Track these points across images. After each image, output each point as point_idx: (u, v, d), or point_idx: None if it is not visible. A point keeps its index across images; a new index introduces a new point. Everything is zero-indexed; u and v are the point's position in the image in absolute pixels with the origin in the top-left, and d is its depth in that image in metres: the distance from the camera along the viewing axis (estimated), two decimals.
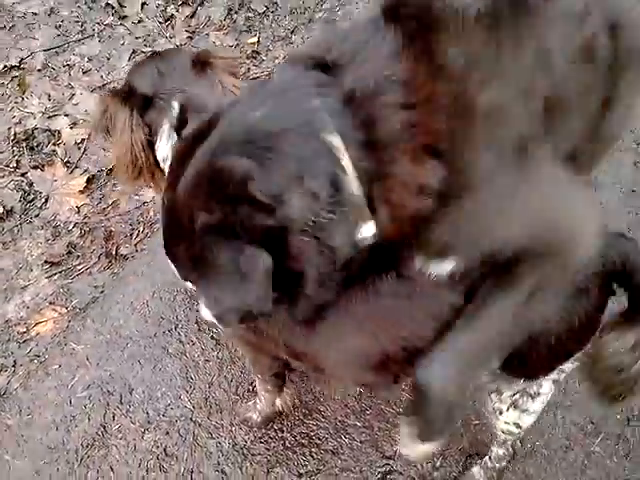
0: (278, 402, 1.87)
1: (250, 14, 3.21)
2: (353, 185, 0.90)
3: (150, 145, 1.45)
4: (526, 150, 0.91)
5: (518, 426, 1.55)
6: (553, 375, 1.42)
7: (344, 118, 0.90)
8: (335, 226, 0.91)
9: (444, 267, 1.05)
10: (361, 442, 1.97)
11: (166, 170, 1.42)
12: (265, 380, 1.73)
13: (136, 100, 1.41)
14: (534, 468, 1.94)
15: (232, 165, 0.89)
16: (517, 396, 1.48)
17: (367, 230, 0.95)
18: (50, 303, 2.27)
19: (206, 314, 1.06)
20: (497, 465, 1.80)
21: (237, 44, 3.10)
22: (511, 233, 0.98)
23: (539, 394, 1.47)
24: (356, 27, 0.97)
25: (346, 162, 0.89)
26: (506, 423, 1.55)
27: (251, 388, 2.03)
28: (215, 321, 1.06)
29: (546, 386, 1.45)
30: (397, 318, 1.21)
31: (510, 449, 1.75)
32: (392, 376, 1.36)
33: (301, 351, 1.36)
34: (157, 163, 1.48)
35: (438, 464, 1.94)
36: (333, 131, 0.89)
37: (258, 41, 3.12)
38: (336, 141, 0.89)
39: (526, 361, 1.31)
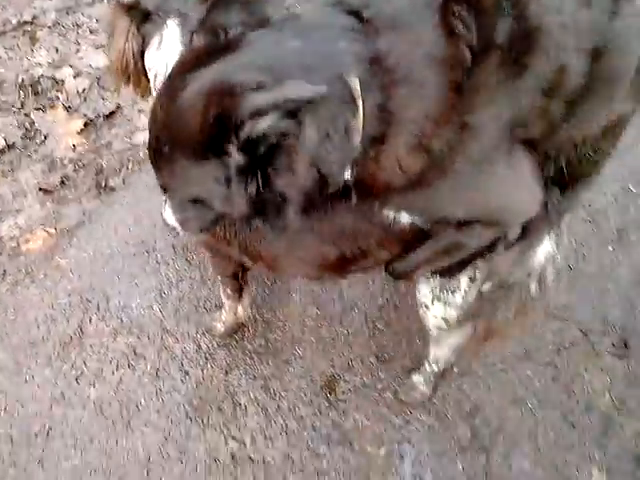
0: (240, 310, 2.06)
1: None
2: (357, 135, 0.99)
3: (141, 55, 1.61)
4: (489, 155, 1.10)
5: (446, 321, 1.74)
6: (468, 273, 1.61)
7: (369, 74, 0.95)
8: (334, 164, 1.00)
9: (406, 218, 1.29)
10: (312, 354, 2.16)
11: (152, 78, 1.62)
12: (225, 283, 1.93)
13: (137, 13, 1.54)
14: (469, 385, 2.13)
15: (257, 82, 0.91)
16: (437, 290, 1.67)
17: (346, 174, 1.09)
18: (41, 225, 2.48)
19: (170, 218, 1.20)
20: (435, 369, 1.99)
21: None
22: (463, 206, 1.20)
23: (458, 289, 1.66)
24: None
25: (359, 112, 0.96)
26: (434, 317, 1.74)
27: (218, 304, 2.23)
28: (178, 226, 1.21)
29: (463, 282, 1.65)
30: (351, 232, 1.42)
31: (446, 349, 1.92)
32: (340, 274, 1.62)
33: (260, 254, 1.55)
34: (145, 72, 1.67)
35: (382, 376, 2.13)
36: (356, 78, 0.94)
37: None
38: (356, 87, 0.94)
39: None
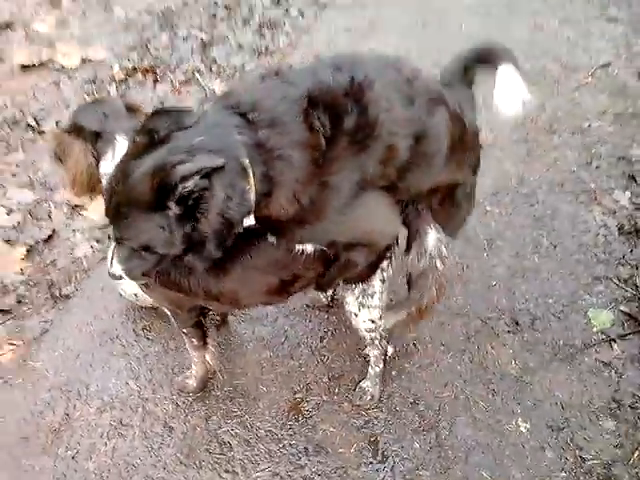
0: (208, 357, 2.43)
1: None
2: (251, 194, 1.50)
3: (97, 167, 1.96)
4: (348, 201, 1.63)
5: (372, 321, 2.25)
6: (378, 275, 2.12)
7: (255, 154, 1.45)
8: (235, 213, 1.48)
9: (310, 247, 1.83)
10: (274, 387, 2.55)
11: (104, 180, 2.05)
12: (190, 334, 2.30)
13: (88, 135, 1.91)
14: (406, 382, 2.60)
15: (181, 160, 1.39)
16: (361, 298, 2.17)
17: (250, 221, 1.64)
18: (7, 339, 2.74)
19: (117, 269, 1.63)
20: (377, 369, 2.45)
21: None
22: (343, 237, 1.75)
23: (375, 292, 2.17)
24: (280, 100, 1.52)
25: (251, 181, 1.46)
26: (364, 322, 2.24)
27: (185, 366, 2.58)
28: (124, 274, 1.64)
29: (377, 285, 2.16)
30: (283, 262, 1.90)
31: (380, 347, 2.39)
32: (287, 294, 2.06)
33: (221, 294, 1.96)
34: (99, 179, 2.00)
35: (337, 391, 2.56)
36: (246, 158, 1.44)
37: None
38: (246, 163, 1.44)
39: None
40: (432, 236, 1.95)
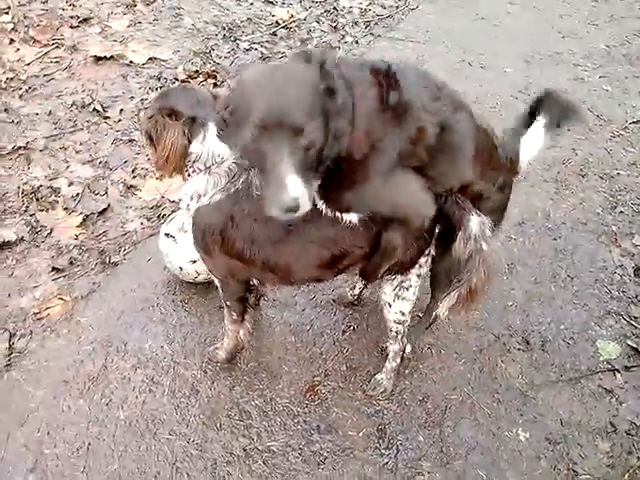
0: (242, 334, 2.64)
1: None
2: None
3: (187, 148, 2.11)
4: (389, 170, 1.83)
5: (403, 313, 2.45)
6: (415, 270, 2.35)
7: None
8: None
9: (354, 217, 2.01)
10: (296, 369, 2.76)
11: (191, 161, 2.11)
12: (231, 307, 2.53)
13: (187, 119, 2.04)
14: (418, 380, 2.79)
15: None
16: (397, 289, 2.39)
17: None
18: (57, 295, 2.99)
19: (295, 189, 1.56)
20: (394, 364, 2.65)
21: None
22: (383, 207, 1.95)
23: (411, 285, 2.39)
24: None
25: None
26: (395, 313, 2.44)
27: (216, 338, 2.80)
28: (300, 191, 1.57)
29: (414, 279, 2.38)
30: (334, 237, 2.10)
31: (401, 343, 2.59)
32: (336, 270, 2.25)
33: (276, 265, 2.16)
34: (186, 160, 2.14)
35: (353, 380, 2.75)
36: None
37: None
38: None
39: (396, 264, 2.24)
40: (475, 220, 2.05)
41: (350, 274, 2.48)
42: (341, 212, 2.00)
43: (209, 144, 2.09)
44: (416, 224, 2.05)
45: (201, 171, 2.11)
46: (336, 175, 1.81)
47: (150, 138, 2.11)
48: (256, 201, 2.00)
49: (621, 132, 4.43)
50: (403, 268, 2.31)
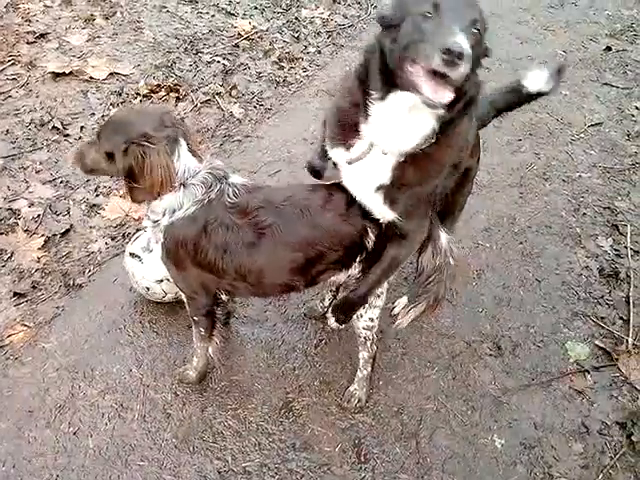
0: (210, 350, 2.59)
1: None
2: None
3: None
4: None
5: (372, 320, 2.45)
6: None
7: None
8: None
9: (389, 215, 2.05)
10: (268, 386, 2.72)
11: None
12: (199, 323, 2.45)
13: (162, 140, 1.98)
14: (392, 392, 2.78)
15: None
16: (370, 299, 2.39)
17: None
18: (19, 322, 2.90)
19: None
20: (365, 372, 2.63)
21: None
22: (409, 216, 2.03)
23: (382, 293, 2.39)
24: None
25: None
26: (364, 320, 2.44)
27: (186, 359, 2.75)
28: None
29: (384, 286, 2.38)
30: (309, 240, 2.11)
31: (371, 350, 2.57)
32: (309, 276, 2.23)
33: (247, 269, 2.14)
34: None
35: (326, 394, 2.73)
36: None
37: None
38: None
39: None
40: (444, 237, 2.23)
41: (324, 285, 2.48)
42: (391, 203, 2.00)
43: (183, 159, 2.08)
44: (417, 244, 2.17)
45: (176, 187, 2.08)
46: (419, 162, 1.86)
47: (131, 171, 2.03)
48: (229, 208, 2.05)
49: (581, 135, 4.52)
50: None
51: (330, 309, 2.37)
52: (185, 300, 2.39)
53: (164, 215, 2.13)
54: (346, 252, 2.16)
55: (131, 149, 1.97)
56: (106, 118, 3.99)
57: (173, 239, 2.13)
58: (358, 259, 2.22)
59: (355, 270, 2.27)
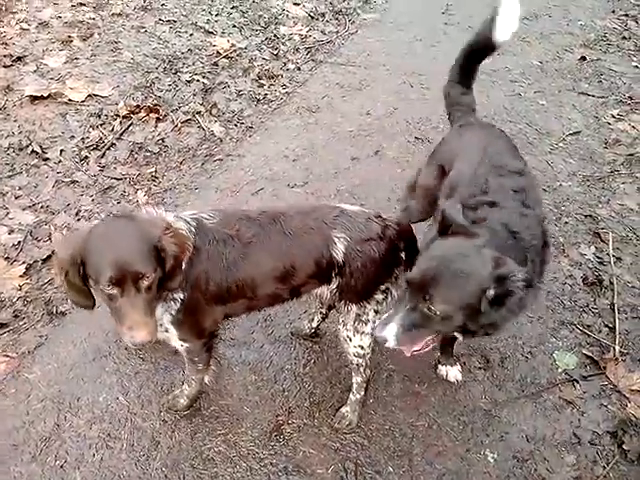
0: (206, 379, 2.55)
1: (147, 153, 4.27)
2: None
3: None
4: None
5: (362, 347, 2.44)
6: (372, 305, 2.35)
7: None
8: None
9: None
10: (258, 409, 2.69)
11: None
12: (198, 361, 2.41)
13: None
14: (382, 410, 2.76)
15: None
16: (356, 324, 2.38)
17: None
18: (1, 352, 2.84)
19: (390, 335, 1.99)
20: (358, 396, 2.62)
21: (139, 174, 4.09)
22: None
23: (369, 320, 2.38)
24: None
25: None
26: (354, 347, 2.43)
27: (174, 384, 2.71)
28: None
29: (371, 314, 2.38)
30: (281, 248, 2.15)
31: (364, 375, 2.56)
32: (291, 286, 2.25)
33: (243, 280, 2.15)
34: None
35: (317, 415, 2.70)
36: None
37: (155, 171, 4.14)
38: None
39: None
40: None
41: (311, 300, 2.50)
42: None
43: None
44: None
45: None
46: None
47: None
48: (217, 227, 2.10)
49: (559, 144, 4.57)
50: (358, 297, 2.31)
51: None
52: (185, 351, 2.35)
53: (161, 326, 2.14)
54: (316, 264, 2.18)
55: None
56: (86, 141, 3.96)
57: (190, 288, 2.10)
58: (334, 274, 2.23)
59: (334, 285, 2.28)
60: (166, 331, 2.19)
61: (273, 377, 2.83)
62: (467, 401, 2.83)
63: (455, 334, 2.17)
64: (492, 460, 2.61)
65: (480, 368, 2.97)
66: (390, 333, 1.96)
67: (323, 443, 2.60)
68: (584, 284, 3.43)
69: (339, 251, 2.16)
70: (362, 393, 2.61)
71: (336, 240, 2.16)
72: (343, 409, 2.66)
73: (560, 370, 2.98)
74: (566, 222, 3.85)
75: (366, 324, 2.37)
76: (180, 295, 2.09)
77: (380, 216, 2.29)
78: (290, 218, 2.18)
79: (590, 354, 3.05)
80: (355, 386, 2.59)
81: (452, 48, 5.72)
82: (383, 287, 2.32)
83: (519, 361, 3.01)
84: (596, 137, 4.66)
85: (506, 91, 5.17)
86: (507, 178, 2.28)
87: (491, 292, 1.82)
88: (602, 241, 3.71)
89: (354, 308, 2.34)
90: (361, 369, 2.52)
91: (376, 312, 2.37)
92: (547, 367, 2.99)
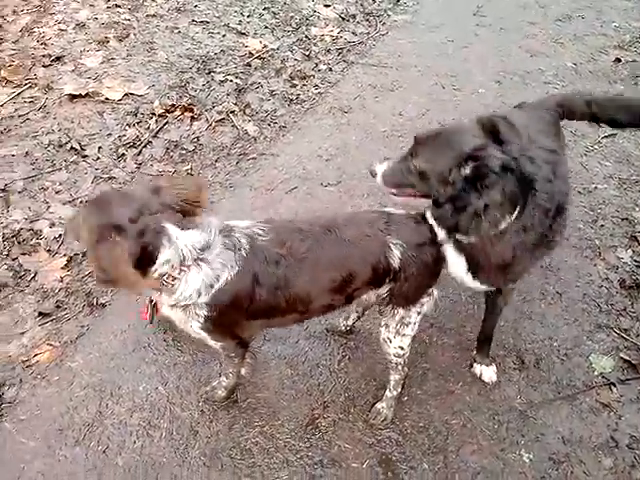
0: (243, 371, 2.60)
1: (183, 151, 4.34)
2: (503, 224, 2.11)
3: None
4: None
5: (402, 348, 2.46)
6: (417, 308, 2.37)
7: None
8: (494, 220, 2.06)
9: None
10: (294, 403, 2.73)
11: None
12: (234, 356, 2.44)
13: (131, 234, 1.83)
14: (417, 408, 2.78)
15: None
16: (398, 326, 2.40)
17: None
18: (45, 341, 2.92)
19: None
20: (395, 393, 2.63)
21: (175, 171, 4.16)
22: None
23: (410, 322, 2.40)
24: None
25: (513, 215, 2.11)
26: (394, 348, 2.45)
27: (211, 376, 2.76)
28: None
29: (414, 316, 2.40)
30: (338, 258, 2.15)
31: (402, 373, 2.57)
32: (347, 294, 2.24)
33: (296, 295, 2.13)
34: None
35: (352, 410, 2.72)
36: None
37: (191, 168, 4.20)
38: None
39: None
40: None
41: (360, 303, 2.49)
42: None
43: (179, 243, 1.92)
44: None
45: (188, 268, 1.97)
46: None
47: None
48: (268, 245, 2.06)
49: (595, 146, 4.53)
50: (407, 301, 2.33)
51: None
52: (220, 348, 2.38)
53: (199, 295, 2.02)
54: (373, 270, 2.16)
55: (100, 243, 1.83)
56: (122, 139, 4.05)
57: (223, 307, 2.07)
58: (387, 279, 2.22)
59: (384, 290, 2.28)
60: (198, 334, 2.20)
61: (309, 372, 2.85)
62: (502, 401, 2.82)
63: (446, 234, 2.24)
64: (527, 460, 2.60)
65: (515, 369, 2.96)
66: (379, 170, 2.26)
67: (358, 438, 2.62)
68: (621, 287, 3.40)
69: (395, 257, 2.15)
70: (398, 390, 2.63)
71: (392, 246, 2.14)
72: (378, 405, 2.67)
73: (596, 373, 2.95)
74: (602, 225, 3.82)
75: (407, 326, 2.39)
76: (204, 311, 2.06)
77: (424, 216, 2.28)
78: (344, 227, 2.15)
79: (628, 358, 3.02)
80: (392, 383, 2.60)
81: (484, 49, 5.76)
82: (429, 290, 2.34)
83: (554, 363, 3.00)
84: (632, 139, 4.60)
85: (540, 93, 5.12)
86: (540, 151, 2.27)
87: (466, 170, 1.98)
88: (639, 244, 3.66)
89: (400, 312, 2.35)
90: (399, 367, 2.54)
91: (418, 314, 2.39)
92: (583, 370, 2.97)
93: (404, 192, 2.28)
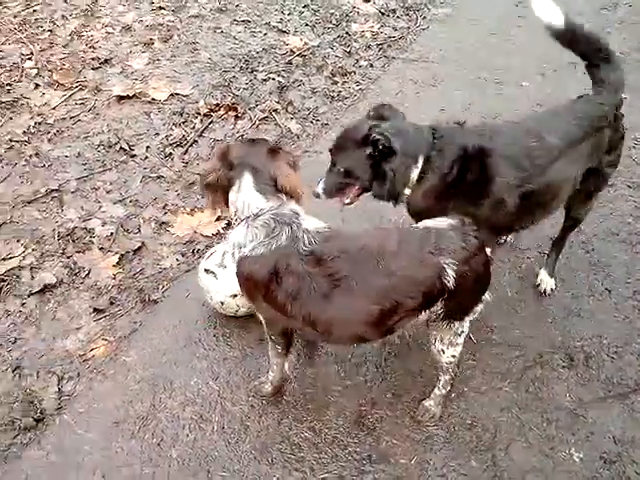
0: (287, 366, 2.64)
1: None
2: (413, 175, 2.52)
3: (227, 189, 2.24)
4: None
5: (454, 356, 2.47)
6: (470, 317, 2.37)
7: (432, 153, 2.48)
8: (399, 176, 2.49)
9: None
10: (341, 398, 2.76)
11: (232, 211, 2.23)
12: (275, 341, 2.51)
13: (227, 164, 2.20)
14: (465, 405, 2.78)
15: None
16: (452, 338, 2.40)
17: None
18: (100, 336, 3.03)
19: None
20: (444, 391, 2.64)
21: None
22: None
23: (463, 332, 2.40)
24: None
25: (418, 165, 2.48)
26: (447, 357, 2.46)
27: (261, 371, 2.82)
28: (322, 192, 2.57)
29: (466, 325, 2.40)
30: (387, 288, 2.07)
31: (452, 373, 2.58)
32: (384, 328, 2.19)
33: (315, 318, 2.11)
34: (227, 202, 2.26)
35: (399, 407, 2.74)
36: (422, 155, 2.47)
37: None
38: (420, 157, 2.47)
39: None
40: None
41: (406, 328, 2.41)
42: None
43: (243, 195, 2.16)
44: None
45: (241, 221, 2.17)
46: None
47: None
48: (304, 256, 2.04)
49: None
50: (463, 314, 2.33)
51: None
52: (262, 320, 2.43)
53: (234, 248, 2.18)
54: (424, 297, 2.09)
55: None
56: (169, 138, 4.14)
57: (243, 275, 2.17)
58: (441, 299, 2.15)
59: (436, 308, 2.21)
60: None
61: (355, 368, 2.89)
62: (551, 399, 2.80)
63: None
64: (578, 460, 2.58)
65: (564, 367, 2.93)
66: (319, 189, 2.57)
67: (406, 434, 2.64)
68: None
69: (450, 277, 2.05)
70: (447, 389, 2.64)
71: (446, 267, 2.05)
72: (427, 402, 2.68)
73: None
74: None
75: (460, 335, 2.40)
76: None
77: (464, 222, 2.21)
78: (393, 257, 2.06)
79: None
80: (442, 382, 2.61)
81: (527, 41, 5.66)
82: (484, 297, 2.34)
83: (604, 361, 2.96)
84: None
85: (586, 84, 5.00)
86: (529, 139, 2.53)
87: (368, 149, 2.36)
88: None
89: (456, 324, 2.34)
90: (450, 369, 2.54)
91: (470, 321, 2.39)
92: (635, 368, 2.92)
93: (346, 195, 2.59)
